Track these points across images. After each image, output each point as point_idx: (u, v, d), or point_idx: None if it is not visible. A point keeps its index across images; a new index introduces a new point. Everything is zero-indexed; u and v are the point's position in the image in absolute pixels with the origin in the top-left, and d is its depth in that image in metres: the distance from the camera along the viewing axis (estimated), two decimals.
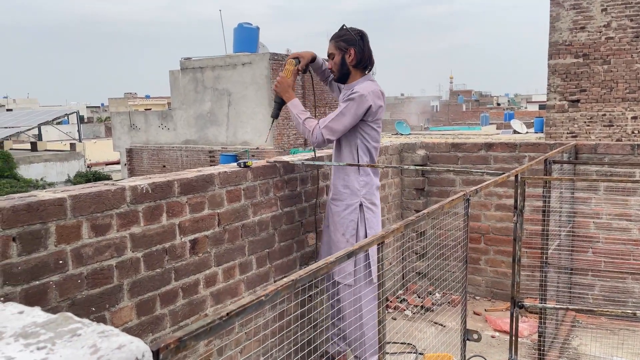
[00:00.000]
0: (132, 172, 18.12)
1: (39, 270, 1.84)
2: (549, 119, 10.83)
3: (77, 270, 1.96)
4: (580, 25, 10.32)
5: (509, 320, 2.99)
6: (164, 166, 17.43)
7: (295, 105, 2.97)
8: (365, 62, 3.01)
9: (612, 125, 10.28)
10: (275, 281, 3.00)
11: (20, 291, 1.78)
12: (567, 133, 10.56)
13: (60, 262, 1.90)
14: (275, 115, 3.06)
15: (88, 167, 25.54)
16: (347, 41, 2.96)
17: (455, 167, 4.49)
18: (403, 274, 4.66)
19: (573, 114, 10.54)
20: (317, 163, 3.23)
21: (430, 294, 4.46)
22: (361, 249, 1.42)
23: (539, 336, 3.31)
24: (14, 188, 18.11)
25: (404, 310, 4.22)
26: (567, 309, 3.81)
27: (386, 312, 2.47)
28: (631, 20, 9.95)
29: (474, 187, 2.25)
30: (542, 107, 34.06)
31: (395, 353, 3.46)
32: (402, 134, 21.94)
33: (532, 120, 26.70)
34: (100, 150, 29.20)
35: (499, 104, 60.05)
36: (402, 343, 3.58)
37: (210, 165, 3.14)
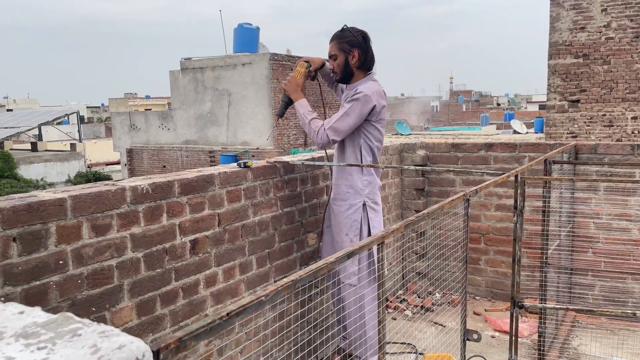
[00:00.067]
0: (132, 173, 18.12)
1: (39, 271, 1.84)
2: (549, 119, 10.83)
3: (78, 270, 1.96)
4: (580, 26, 10.33)
5: (508, 321, 3.00)
6: (164, 166, 17.43)
7: (302, 105, 2.98)
8: (368, 63, 3.02)
9: (612, 126, 10.28)
10: (275, 281, 3.01)
11: (20, 291, 1.78)
12: (567, 133, 10.57)
13: (61, 262, 1.91)
14: (281, 114, 3.09)
15: (88, 167, 25.55)
16: (350, 43, 2.95)
17: (455, 167, 4.49)
18: (403, 274, 4.66)
19: (573, 114, 10.54)
20: (317, 164, 3.24)
21: (430, 294, 4.46)
22: (361, 248, 1.42)
23: (539, 336, 3.31)
24: (14, 188, 18.12)
25: (404, 310, 4.22)
26: (567, 309, 3.81)
27: (386, 312, 2.47)
28: (631, 20, 9.96)
29: (474, 188, 2.25)
30: (542, 107, 34.06)
31: (395, 353, 3.46)
32: (402, 134, 21.94)
33: (532, 121, 26.71)
34: (100, 151, 29.21)
35: (499, 104, 60.06)
36: (402, 343, 3.59)
37: (211, 166, 3.15)
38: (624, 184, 3.86)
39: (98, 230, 2.03)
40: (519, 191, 2.72)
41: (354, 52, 2.95)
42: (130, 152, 18.47)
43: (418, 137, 20.09)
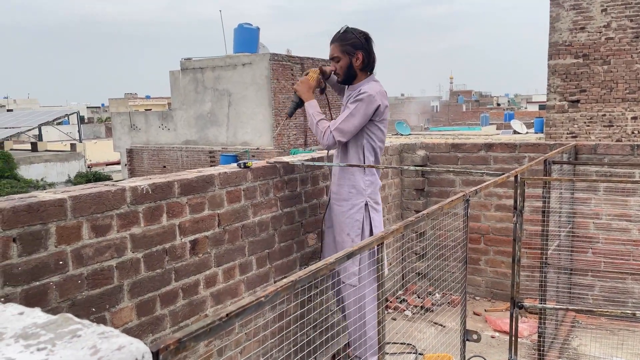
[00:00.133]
0: (132, 173, 18.13)
1: (39, 271, 1.84)
2: (549, 120, 10.83)
3: (78, 270, 1.96)
4: (580, 26, 10.33)
5: (508, 321, 3.00)
6: (164, 166, 17.44)
7: (312, 106, 3.00)
8: (371, 65, 3.02)
9: (612, 126, 10.29)
10: (275, 282, 3.01)
11: (20, 292, 1.78)
12: (567, 133, 10.57)
13: (61, 262, 1.91)
14: (290, 114, 3.12)
15: (88, 167, 25.56)
16: (354, 45, 2.95)
17: (455, 167, 4.50)
18: (403, 275, 4.66)
19: (573, 115, 10.55)
20: (317, 164, 3.24)
21: (430, 294, 4.46)
22: (361, 249, 1.42)
23: (539, 336, 3.31)
24: (15, 188, 18.13)
25: (404, 310, 4.22)
26: (567, 310, 3.81)
27: (386, 312, 2.47)
28: (631, 20, 9.96)
29: (474, 188, 2.25)
30: (542, 107, 34.06)
31: (395, 353, 3.46)
32: (402, 134, 21.94)
33: (532, 121, 26.71)
34: (100, 151, 29.23)
35: (499, 104, 60.08)
36: (402, 343, 3.59)
37: (211, 166, 3.15)
38: (623, 184, 3.86)
39: (98, 230, 2.03)
40: (518, 191, 2.72)
41: (357, 54, 2.95)
42: (130, 153, 18.48)
43: (418, 137, 20.09)
